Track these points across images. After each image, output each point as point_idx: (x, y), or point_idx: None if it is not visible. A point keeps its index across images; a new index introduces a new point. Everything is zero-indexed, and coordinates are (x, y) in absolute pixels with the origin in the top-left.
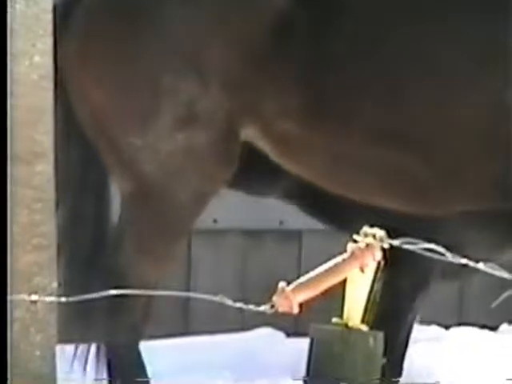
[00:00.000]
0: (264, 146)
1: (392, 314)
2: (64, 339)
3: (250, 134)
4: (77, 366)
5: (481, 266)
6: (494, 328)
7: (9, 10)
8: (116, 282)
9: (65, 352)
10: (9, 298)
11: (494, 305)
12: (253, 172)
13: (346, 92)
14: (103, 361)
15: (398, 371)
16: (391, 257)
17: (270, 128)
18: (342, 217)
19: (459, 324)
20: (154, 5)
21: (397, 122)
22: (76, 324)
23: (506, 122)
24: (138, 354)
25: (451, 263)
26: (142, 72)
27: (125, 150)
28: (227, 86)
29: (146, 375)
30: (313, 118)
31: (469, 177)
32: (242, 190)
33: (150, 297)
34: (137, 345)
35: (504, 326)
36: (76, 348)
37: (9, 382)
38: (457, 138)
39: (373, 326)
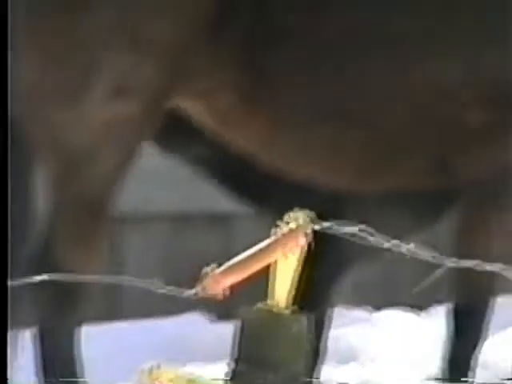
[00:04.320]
0: (200, 118)
1: (310, 296)
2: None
3: (184, 106)
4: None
5: (411, 246)
6: (422, 309)
7: None
8: (51, 270)
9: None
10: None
11: (415, 290)
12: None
13: (289, 68)
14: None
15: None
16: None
17: (207, 101)
18: (269, 198)
19: (388, 306)
20: None
21: (341, 98)
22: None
23: (451, 104)
24: (73, 341)
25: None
26: (76, 43)
27: (53, 126)
28: (163, 60)
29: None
30: (254, 92)
31: (409, 153)
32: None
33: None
34: (73, 330)
35: (433, 307)
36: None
37: None
38: (401, 114)
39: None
